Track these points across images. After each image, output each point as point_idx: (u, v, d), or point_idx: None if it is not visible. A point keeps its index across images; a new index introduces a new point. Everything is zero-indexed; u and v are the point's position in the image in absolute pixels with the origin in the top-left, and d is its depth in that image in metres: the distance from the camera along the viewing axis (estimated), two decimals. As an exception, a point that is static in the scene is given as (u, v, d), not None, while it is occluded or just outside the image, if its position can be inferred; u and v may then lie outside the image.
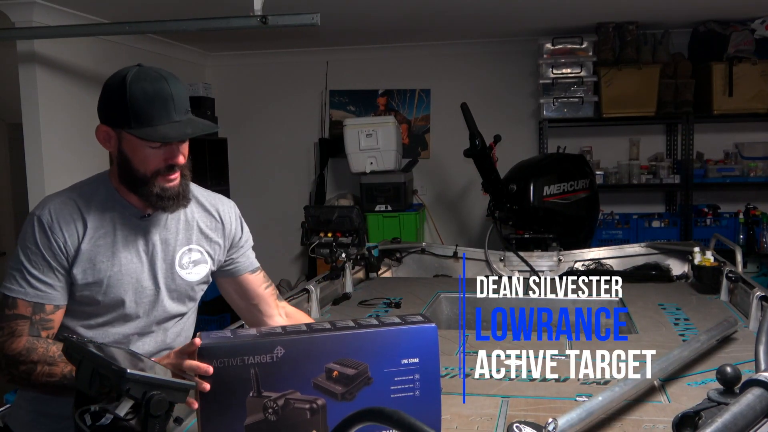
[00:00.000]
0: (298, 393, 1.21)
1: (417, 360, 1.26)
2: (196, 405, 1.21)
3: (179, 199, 1.45)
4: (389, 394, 1.24)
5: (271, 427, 1.20)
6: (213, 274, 1.62)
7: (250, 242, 1.69)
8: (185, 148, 1.45)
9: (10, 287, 1.40)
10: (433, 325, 1.28)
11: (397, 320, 1.30)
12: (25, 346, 1.36)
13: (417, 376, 1.26)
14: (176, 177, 1.44)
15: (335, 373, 1.22)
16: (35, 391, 1.43)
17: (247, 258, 1.68)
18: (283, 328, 1.29)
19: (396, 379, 1.25)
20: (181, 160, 1.42)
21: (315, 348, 1.22)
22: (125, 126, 1.38)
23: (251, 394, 1.19)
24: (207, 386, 1.19)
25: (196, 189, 1.62)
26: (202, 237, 1.57)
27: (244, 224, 1.68)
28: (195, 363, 1.20)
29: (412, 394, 1.26)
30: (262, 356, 1.20)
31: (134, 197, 1.47)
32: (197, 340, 1.22)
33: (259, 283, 1.68)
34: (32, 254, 1.40)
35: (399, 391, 1.25)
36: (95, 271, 1.43)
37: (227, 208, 1.64)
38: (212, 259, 1.58)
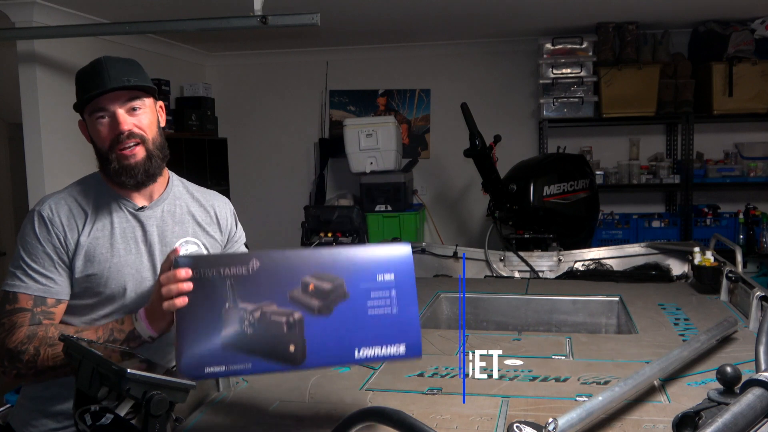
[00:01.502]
0: (275, 305, 1.21)
1: (393, 276, 1.26)
2: (179, 302, 1.20)
3: (137, 176, 1.46)
4: (366, 310, 1.24)
5: (248, 339, 1.20)
6: None
7: (243, 239, 1.72)
8: (141, 120, 1.46)
9: (11, 283, 1.41)
10: (408, 243, 1.29)
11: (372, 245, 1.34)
12: (25, 335, 1.36)
13: (393, 293, 1.25)
14: (134, 152, 1.45)
15: (311, 286, 1.22)
16: (46, 379, 1.41)
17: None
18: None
19: (372, 294, 1.25)
20: (124, 126, 1.43)
21: (290, 262, 1.23)
22: (78, 106, 1.46)
23: (227, 306, 1.20)
24: (185, 300, 1.19)
25: (190, 186, 1.66)
26: (200, 230, 1.59)
27: (238, 220, 1.71)
28: (171, 271, 1.21)
29: (389, 311, 1.25)
30: (238, 268, 1.21)
31: (125, 189, 1.50)
32: (177, 248, 1.24)
33: None
34: (33, 249, 1.42)
35: (376, 307, 1.25)
36: (95, 264, 1.44)
37: (222, 204, 1.67)
38: (208, 252, 1.59)
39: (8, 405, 1.63)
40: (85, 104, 1.44)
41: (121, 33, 4.07)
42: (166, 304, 1.21)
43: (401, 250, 1.27)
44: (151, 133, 1.48)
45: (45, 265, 1.41)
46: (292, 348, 1.20)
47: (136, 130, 1.45)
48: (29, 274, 1.40)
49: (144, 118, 1.47)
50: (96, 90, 1.41)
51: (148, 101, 1.49)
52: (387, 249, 1.28)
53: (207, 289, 1.20)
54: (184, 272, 1.20)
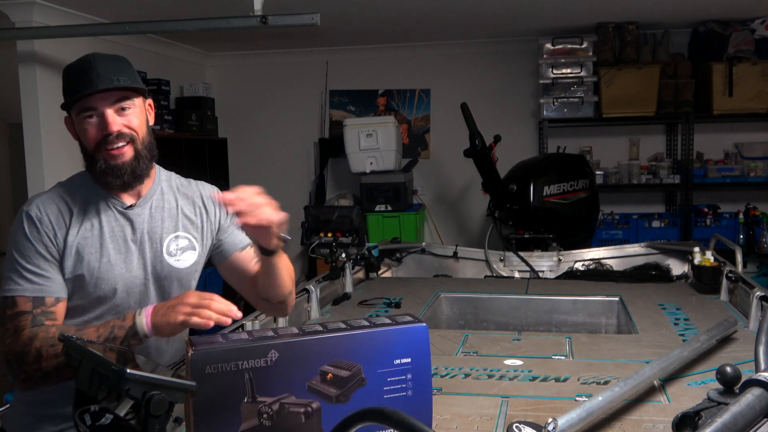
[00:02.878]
0: (293, 397, 1.20)
1: (409, 360, 1.26)
2: (229, 321, 1.24)
3: (124, 176, 1.45)
4: (383, 395, 1.24)
5: None
6: (210, 261, 1.62)
7: (234, 224, 1.64)
8: (131, 120, 1.45)
9: (7, 288, 1.40)
10: (424, 324, 1.28)
11: (388, 321, 1.30)
12: (27, 336, 1.36)
13: (409, 376, 1.26)
14: (122, 152, 1.43)
15: (329, 375, 1.21)
16: (55, 382, 1.39)
17: (235, 236, 1.65)
18: (275, 330, 1.28)
19: (389, 379, 1.25)
20: (113, 127, 1.42)
21: (309, 351, 1.21)
22: (65, 105, 1.45)
23: (246, 400, 1.18)
24: (210, 324, 1.22)
25: (177, 179, 1.63)
26: (189, 223, 1.57)
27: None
28: (208, 295, 1.28)
29: (404, 394, 1.26)
30: (256, 360, 1.18)
31: (113, 188, 1.49)
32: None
33: (248, 258, 1.64)
34: (26, 249, 1.41)
35: (392, 391, 1.25)
36: (83, 264, 1.43)
37: (209, 190, 1.65)
38: (201, 244, 1.58)
39: (8, 405, 1.62)
40: (73, 103, 1.43)
41: (121, 33, 4.08)
42: (197, 321, 1.23)
43: (418, 332, 1.27)
44: (140, 132, 1.47)
45: (39, 265, 1.40)
46: None
47: (125, 130, 1.44)
48: (24, 275, 1.40)
49: (134, 118, 1.45)
50: (84, 90, 1.39)
51: (138, 100, 1.47)
52: (404, 330, 1.27)
53: (224, 384, 1.17)
54: (225, 306, 1.24)
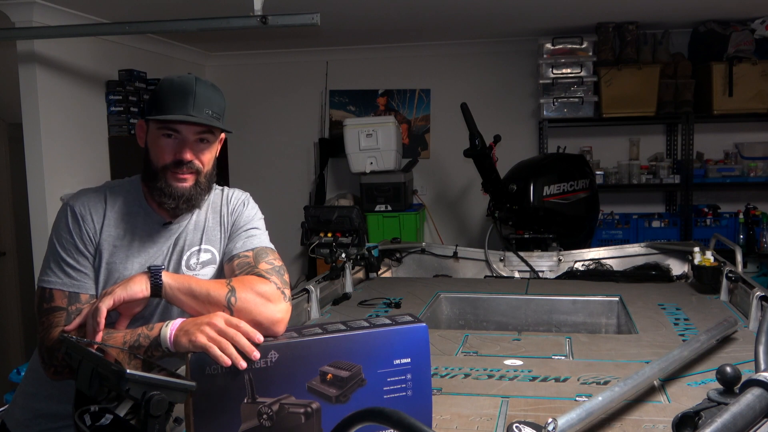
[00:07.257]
0: (293, 397, 1.20)
1: (409, 360, 1.26)
2: (245, 365, 1.17)
3: (181, 202, 1.45)
4: (382, 395, 1.24)
5: None
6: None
7: (251, 224, 1.58)
8: (205, 154, 1.46)
9: (47, 279, 1.41)
10: (424, 324, 1.28)
11: (388, 321, 1.30)
12: (60, 334, 1.35)
13: (409, 376, 1.26)
14: (186, 178, 1.44)
15: (329, 375, 1.21)
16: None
17: (232, 244, 1.56)
18: None
19: (389, 379, 1.25)
20: (188, 156, 1.43)
21: (308, 351, 1.21)
22: (148, 113, 1.44)
23: (246, 401, 1.18)
24: (227, 361, 1.16)
25: (213, 194, 1.58)
26: (212, 236, 1.55)
27: (244, 212, 1.59)
28: (237, 325, 1.21)
29: (404, 394, 1.26)
30: (256, 361, 1.19)
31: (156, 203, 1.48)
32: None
33: (230, 271, 1.51)
34: (66, 243, 1.42)
35: (392, 391, 1.25)
36: (108, 271, 1.44)
37: (236, 199, 1.60)
38: (221, 254, 1.56)
39: (8, 405, 1.62)
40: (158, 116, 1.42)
41: (121, 33, 4.07)
42: (216, 354, 1.17)
43: (418, 332, 1.27)
44: (207, 167, 1.48)
45: (78, 260, 1.41)
46: None
47: (196, 162, 1.45)
48: (63, 267, 1.40)
49: (208, 154, 1.47)
50: (178, 111, 1.39)
51: (217, 136, 1.49)
52: (404, 330, 1.27)
53: (224, 385, 1.17)
54: (247, 346, 1.18)
